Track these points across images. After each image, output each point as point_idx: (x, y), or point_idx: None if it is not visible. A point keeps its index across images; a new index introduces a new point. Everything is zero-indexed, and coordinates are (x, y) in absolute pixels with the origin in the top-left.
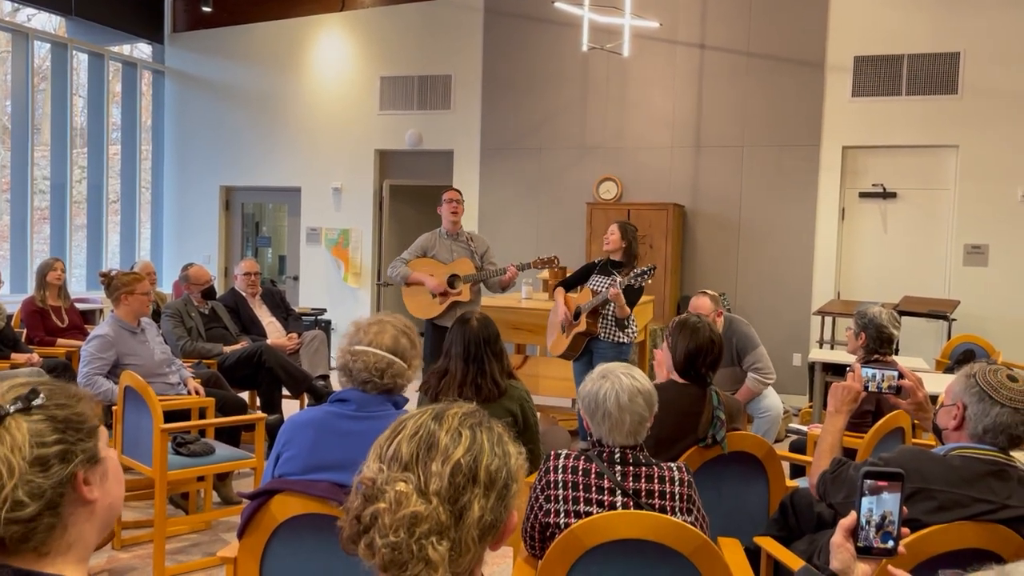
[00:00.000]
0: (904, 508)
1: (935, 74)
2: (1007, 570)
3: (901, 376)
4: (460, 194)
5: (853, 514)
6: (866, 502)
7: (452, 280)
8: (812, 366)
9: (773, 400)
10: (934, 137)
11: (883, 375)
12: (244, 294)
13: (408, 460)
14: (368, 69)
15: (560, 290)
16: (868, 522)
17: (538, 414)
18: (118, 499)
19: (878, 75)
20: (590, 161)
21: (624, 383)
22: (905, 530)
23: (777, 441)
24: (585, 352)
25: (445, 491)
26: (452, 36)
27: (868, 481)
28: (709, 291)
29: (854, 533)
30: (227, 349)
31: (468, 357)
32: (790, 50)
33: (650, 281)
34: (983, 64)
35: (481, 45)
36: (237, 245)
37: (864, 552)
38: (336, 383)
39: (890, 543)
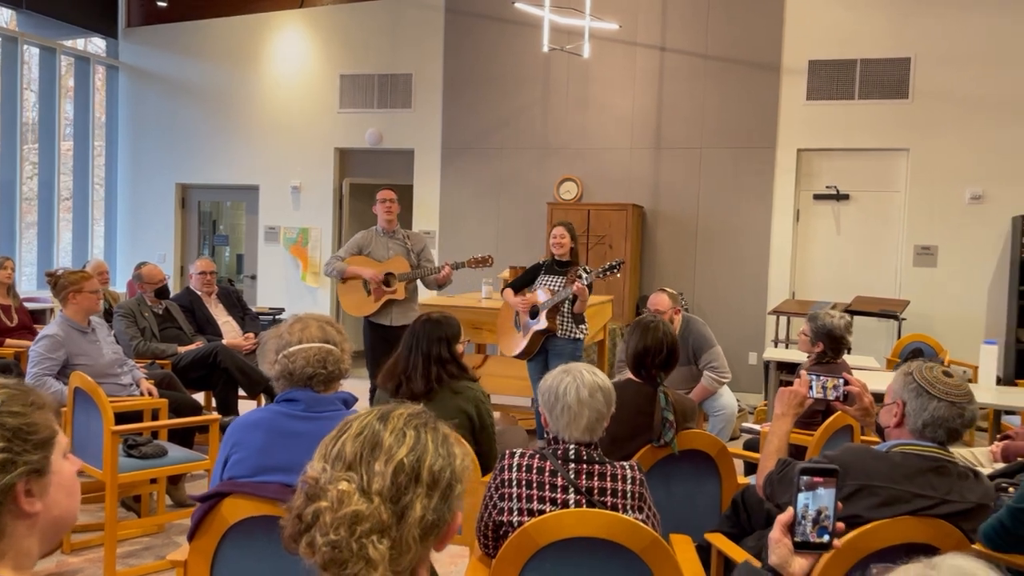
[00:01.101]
0: (839, 503)
1: (887, 79)
2: (934, 562)
3: (847, 383)
4: (394, 193)
5: (790, 510)
6: (802, 498)
7: (387, 278)
8: (767, 365)
9: (728, 399)
10: (885, 140)
11: (828, 382)
12: (199, 293)
13: (352, 459)
14: (328, 67)
15: (509, 291)
16: (805, 517)
17: (497, 414)
18: (68, 512)
19: (832, 79)
20: (551, 161)
21: (586, 378)
22: (840, 525)
23: (732, 439)
24: (540, 351)
25: (387, 490)
26: (413, 35)
27: (804, 477)
28: (668, 289)
29: (791, 528)
30: (182, 349)
31: (420, 349)
32: (747, 53)
33: (618, 275)
34: (933, 69)
35: (442, 44)
36: (194, 244)
37: (801, 547)
38: None
39: (826, 537)
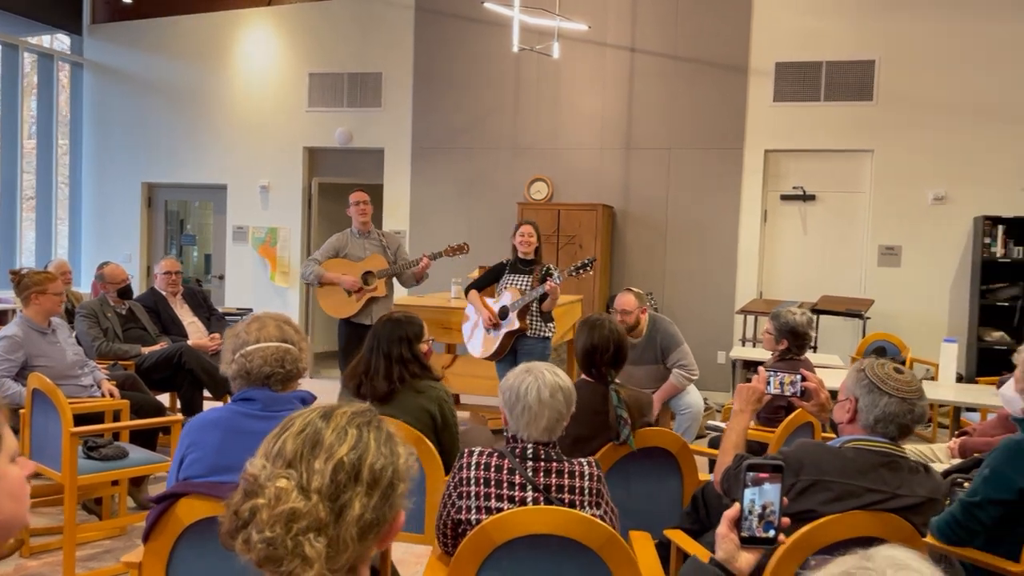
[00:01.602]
0: (785, 499)
1: (852, 81)
2: (869, 554)
3: (804, 379)
4: (367, 195)
5: (737, 505)
6: (748, 493)
7: (366, 277)
8: (734, 364)
9: (694, 397)
10: (850, 142)
11: (786, 378)
12: (164, 293)
13: (292, 457)
14: (296, 65)
15: (475, 292)
16: (751, 512)
17: (467, 414)
18: (14, 516)
19: (798, 81)
20: (521, 161)
21: (547, 378)
22: (786, 520)
23: (699, 437)
24: (509, 351)
25: (326, 488)
26: (382, 33)
27: (750, 473)
28: (634, 288)
29: (738, 524)
30: (145, 350)
31: (382, 351)
32: (715, 55)
33: (591, 272)
34: (897, 72)
35: (412, 43)
36: (160, 243)
37: (748, 541)
38: None
39: (772, 532)
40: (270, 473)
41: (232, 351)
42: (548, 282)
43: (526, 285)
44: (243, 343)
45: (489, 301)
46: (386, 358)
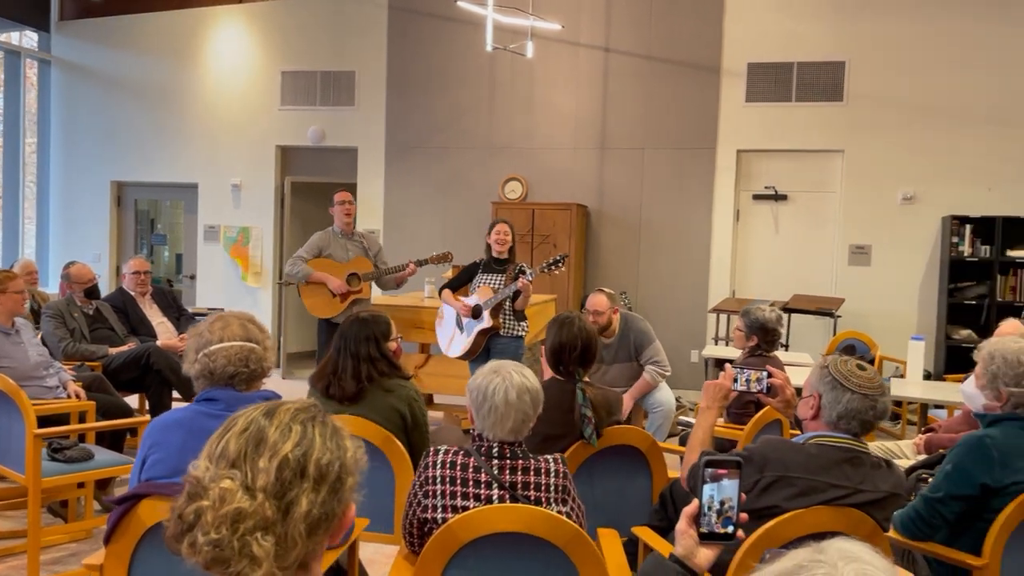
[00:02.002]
0: (743, 494)
1: (823, 82)
2: (822, 546)
3: (770, 375)
4: (350, 195)
5: (696, 501)
6: (707, 489)
7: (351, 278)
8: (707, 362)
9: (666, 395)
10: (821, 142)
11: (752, 375)
12: (133, 293)
13: (235, 457)
14: (269, 63)
15: (448, 291)
16: (710, 508)
17: (440, 413)
18: None
19: (770, 81)
20: (496, 161)
21: (514, 380)
22: (743, 515)
23: (671, 436)
24: (483, 350)
25: (271, 486)
26: (356, 32)
27: (708, 469)
28: (606, 289)
29: (697, 519)
30: (113, 351)
31: (349, 351)
32: (688, 55)
33: (563, 268)
34: (867, 73)
35: (385, 41)
36: (130, 243)
37: (706, 537)
38: None
39: (730, 528)
40: (214, 474)
41: (195, 350)
42: (521, 279)
43: (499, 284)
44: (207, 342)
45: (465, 300)
46: (354, 357)
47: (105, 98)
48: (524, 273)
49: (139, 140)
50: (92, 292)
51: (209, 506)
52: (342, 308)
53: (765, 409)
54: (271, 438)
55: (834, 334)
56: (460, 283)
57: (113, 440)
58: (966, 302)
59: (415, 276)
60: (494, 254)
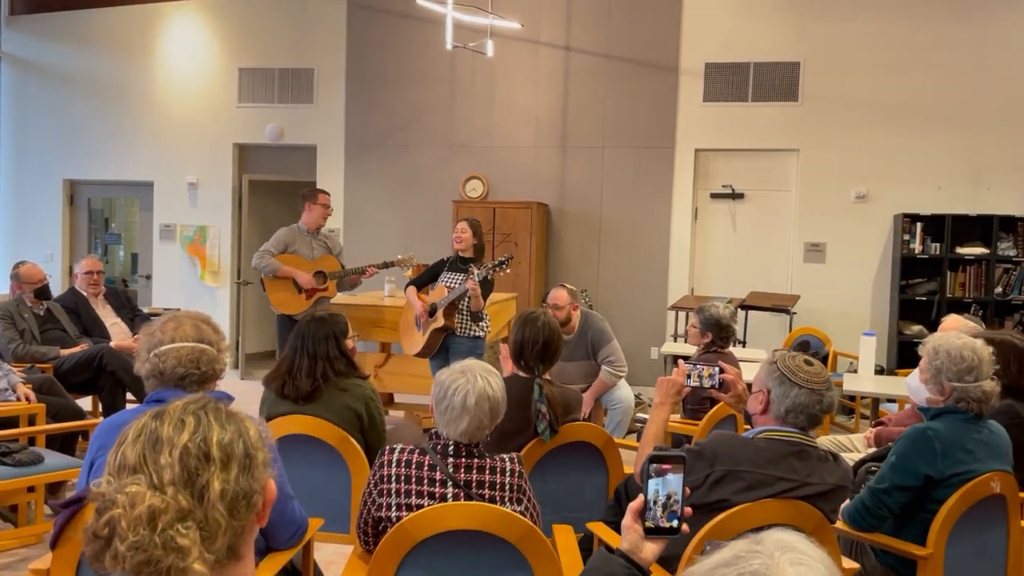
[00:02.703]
0: (687, 488)
1: (778, 82)
2: (759, 537)
3: (722, 371)
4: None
5: (641, 496)
6: (652, 484)
7: (317, 276)
8: (666, 359)
9: (625, 392)
10: (777, 141)
11: (704, 371)
12: (85, 294)
13: (135, 463)
14: (225, 59)
15: (412, 289)
16: (655, 503)
17: (401, 413)
18: None
19: (727, 81)
20: (457, 159)
21: (478, 385)
22: (688, 509)
23: (630, 432)
24: (441, 349)
25: (179, 478)
26: (314, 28)
27: (653, 464)
28: (567, 285)
29: (642, 514)
30: (64, 352)
31: (306, 350)
32: (646, 54)
33: (508, 270)
34: (821, 74)
35: (344, 39)
36: (83, 242)
37: (652, 532)
38: None
39: (675, 522)
40: (118, 485)
41: (147, 350)
42: (469, 280)
43: (459, 283)
44: (158, 342)
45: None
46: (311, 356)
47: (57, 95)
48: (473, 274)
49: (92, 138)
50: (43, 292)
51: (121, 514)
52: (308, 304)
53: (719, 405)
54: (166, 435)
55: (790, 330)
56: (425, 281)
57: (64, 443)
58: (917, 298)
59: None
60: (459, 253)
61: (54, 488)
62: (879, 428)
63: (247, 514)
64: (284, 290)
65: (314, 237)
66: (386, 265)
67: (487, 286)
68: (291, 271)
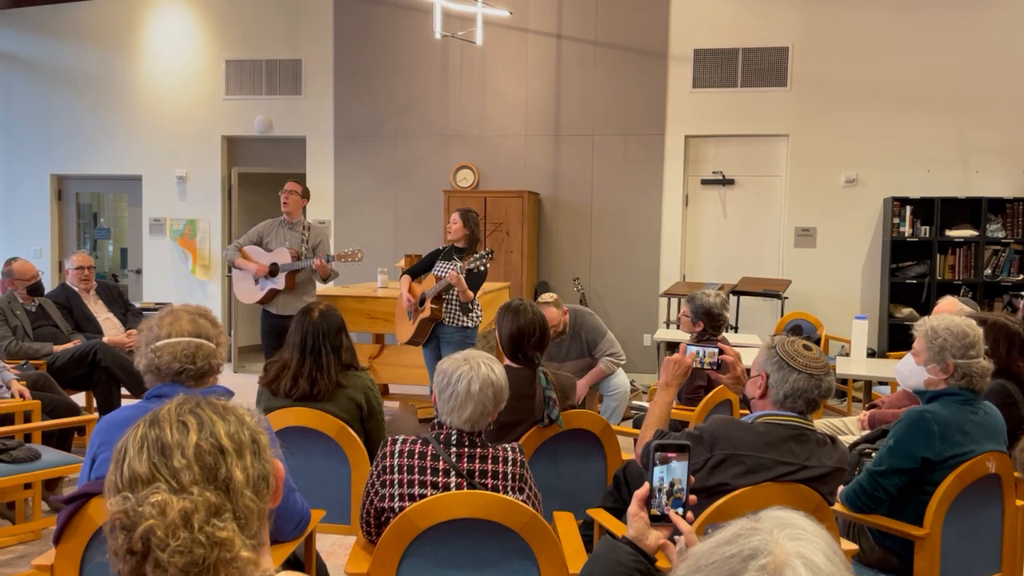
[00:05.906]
0: (692, 476)
1: (767, 67)
2: (758, 516)
3: (722, 352)
4: (296, 185)
5: (647, 484)
6: (657, 471)
7: (272, 268)
8: (659, 345)
9: (621, 379)
10: (767, 127)
11: (706, 352)
12: (77, 289)
13: (148, 474)
14: (212, 52)
15: (406, 278)
16: (660, 490)
17: (396, 403)
18: None
19: (716, 67)
20: (447, 149)
21: (482, 371)
22: (692, 497)
23: (625, 419)
24: (432, 338)
25: (200, 476)
26: (301, 19)
27: (658, 452)
28: (549, 298)
29: (647, 502)
30: (57, 348)
31: (305, 349)
32: (636, 41)
33: (488, 264)
34: (810, 58)
35: (332, 29)
36: (72, 238)
37: (657, 519)
38: None
39: (680, 509)
40: (137, 499)
41: (145, 344)
42: (451, 271)
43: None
44: (155, 337)
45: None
46: (314, 352)
47: (43, 89)
48: (456, 267)
49: (79, 132)
50: (35, 289)
51: (154, 524)
52: (261, 295)
53: (715, 390)
54: (172, 439)
55: (781, 315)
56: (421, 269)
57: (60, 439)
58: (907, 281)
59: (368, 266)
60: (453, 243)
61: (51, 484)
62: (872, 411)
63: (268, 495)
64: (244, 280)
65: (290, 228)
66: (329, 260)
67: (477, 277)
68: (243, 264)
